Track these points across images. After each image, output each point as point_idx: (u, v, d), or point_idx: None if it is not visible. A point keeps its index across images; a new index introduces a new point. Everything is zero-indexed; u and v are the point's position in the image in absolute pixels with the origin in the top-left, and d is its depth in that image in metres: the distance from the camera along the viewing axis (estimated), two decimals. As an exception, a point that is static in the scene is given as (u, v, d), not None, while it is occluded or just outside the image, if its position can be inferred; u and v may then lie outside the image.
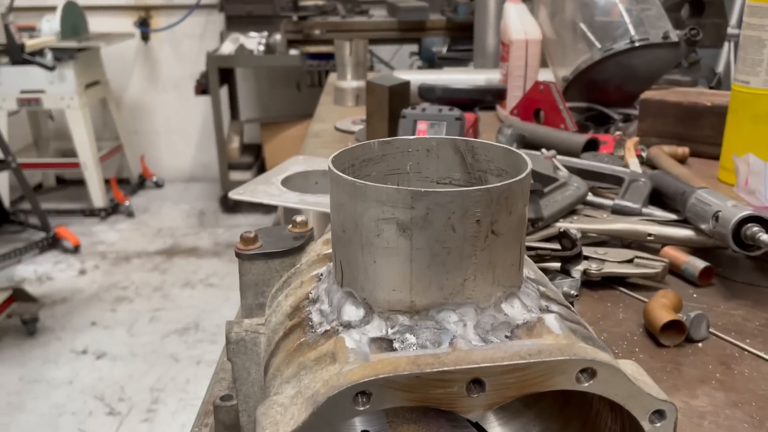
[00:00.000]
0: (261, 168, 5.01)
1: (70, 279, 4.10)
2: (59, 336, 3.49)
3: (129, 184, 5.40)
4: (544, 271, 0.80)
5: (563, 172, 1.22)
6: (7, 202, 4.55)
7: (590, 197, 1.19)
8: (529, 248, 0.97)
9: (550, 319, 0.48)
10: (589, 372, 0.45)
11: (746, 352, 0.82)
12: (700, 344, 0.84)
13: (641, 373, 0.49)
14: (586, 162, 1.32)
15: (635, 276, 0.97)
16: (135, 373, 3.19)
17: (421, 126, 1.28)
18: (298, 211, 1.06)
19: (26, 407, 2.97)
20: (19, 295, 3.41)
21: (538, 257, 0.82)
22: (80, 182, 4.90)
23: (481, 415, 0.63)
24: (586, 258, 0.99)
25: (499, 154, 0.56)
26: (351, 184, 0.47)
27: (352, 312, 0.50)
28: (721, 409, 0.71)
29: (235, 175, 4.86)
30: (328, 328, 0.50)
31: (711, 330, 0.86)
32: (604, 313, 0.91)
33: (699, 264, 0.98)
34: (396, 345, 0.47)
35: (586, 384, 0.45)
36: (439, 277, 0.47)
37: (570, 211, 1.12)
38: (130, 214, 4.97)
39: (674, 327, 0.83)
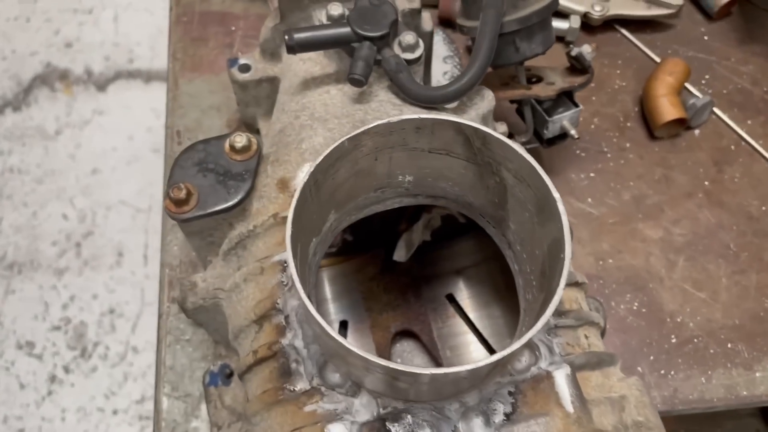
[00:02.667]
0: None
1: None
2: None
3: None
4: (540, 102, 0.66)
5: None
6: None
7: None
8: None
9: (560, 381, 0.43)
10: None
11: (743, 143, 0.75)
12: (696, 132, 0.76)
13: (643, 403, 0.47)
14: None
15: (647, 18, 0.80)
16: None
17: None
18: None
19: None
20: None
21: (537, 79, 0.64)
22: None
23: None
24: (590, -11, 0.80)
25: (522, 164, 0.40)
26: (324, 333, 0.35)
27: (336, 378, 0.44)
28: (701, 239, 0.70)
29: None
30: (308, 387, 0.44)
31: (713, 109, 0.77)
32: (599, 79, 0.79)
33: (721, -7, 0.80)
34: (390, 428, 0.43)
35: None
36: (435, 394, 0.40)
37: None
38: None
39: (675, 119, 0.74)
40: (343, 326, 0.62)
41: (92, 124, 2.11)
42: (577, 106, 0.64)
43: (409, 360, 0.64)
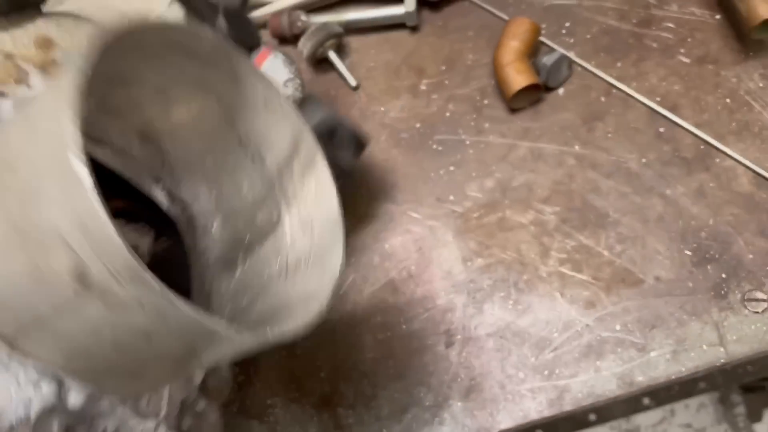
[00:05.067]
0: None
1: None
2: None
3: None
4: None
5: None
6: None
7: None
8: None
9: None
10: None
11: (614, 90, 0.67)
12: (561, 91, 0.68)
13: None
14: None
15: (486, -22, 0.73)
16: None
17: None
18: None
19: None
20: None
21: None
22: None
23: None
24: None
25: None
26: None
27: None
28: (575, 213, 0.63)
29: None
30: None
31: (575, 60, 0.69)
32: (450, 59, 0.72)
33: (567, -72, 0.71)
34: None
35: None
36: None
37: None
38: None
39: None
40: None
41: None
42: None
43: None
